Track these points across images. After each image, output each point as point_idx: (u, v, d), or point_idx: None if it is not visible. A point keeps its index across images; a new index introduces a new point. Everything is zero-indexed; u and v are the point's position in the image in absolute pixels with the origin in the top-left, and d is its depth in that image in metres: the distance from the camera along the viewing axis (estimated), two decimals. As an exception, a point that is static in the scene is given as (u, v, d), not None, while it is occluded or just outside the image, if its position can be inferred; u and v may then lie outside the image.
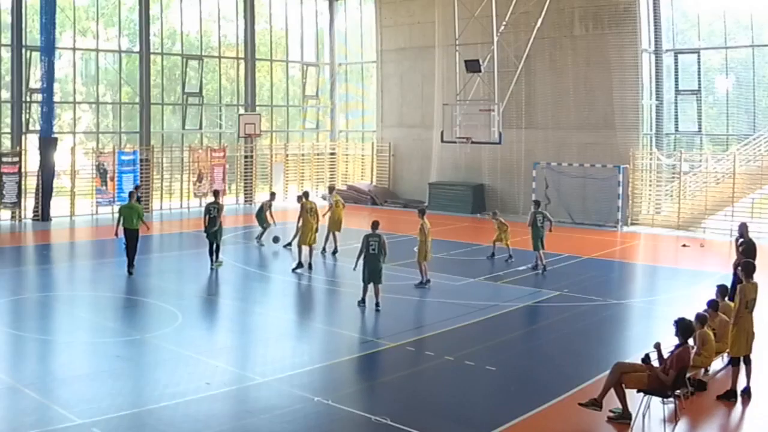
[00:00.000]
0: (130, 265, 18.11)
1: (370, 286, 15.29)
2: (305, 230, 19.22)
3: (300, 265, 19.02)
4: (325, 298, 17.45)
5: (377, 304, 15.13)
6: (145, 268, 18.99)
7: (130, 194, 19.18)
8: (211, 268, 18.92)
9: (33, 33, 27.97)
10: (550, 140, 29.99)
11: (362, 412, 9.88)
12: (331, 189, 23.80)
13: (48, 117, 26.78)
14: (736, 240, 15.16)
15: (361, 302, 15.39)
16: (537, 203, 20.78)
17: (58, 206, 27.64)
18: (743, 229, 15.11)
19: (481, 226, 26.46)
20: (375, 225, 15.58)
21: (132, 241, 18.14)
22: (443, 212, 30.29)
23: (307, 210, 19.36)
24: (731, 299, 11.60)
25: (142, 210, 18.93)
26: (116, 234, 18.54)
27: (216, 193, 20.98)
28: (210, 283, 18.54)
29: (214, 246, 18.99)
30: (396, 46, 35.05)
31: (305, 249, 19.28)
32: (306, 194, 20.26)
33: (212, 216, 19.03)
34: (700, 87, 28.23)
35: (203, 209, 20.16)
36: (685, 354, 9.40)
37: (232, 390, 10.71)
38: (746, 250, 14.25)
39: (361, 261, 15.35)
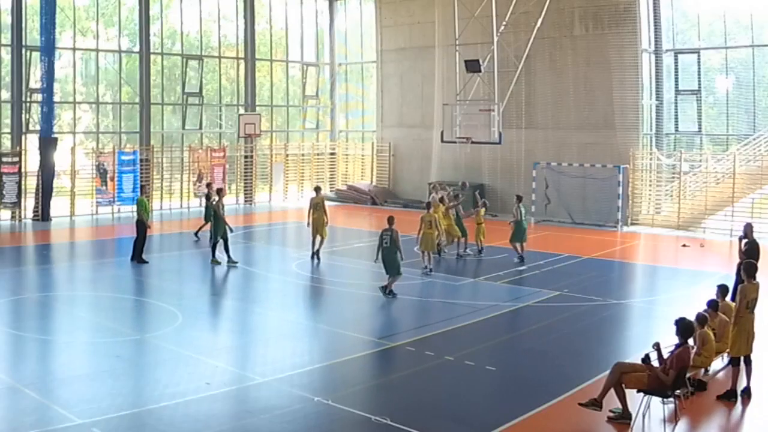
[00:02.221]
0: (135, 256, 19.39)
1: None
2: (313, 223, 20.31)
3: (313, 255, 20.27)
4: (326, 297, 17.42)
5: (384, 288, 16.10)
6: (145, 268, 19.07)
7: (142, 188, 21.90)
8: (213, 262, 19.66)
9: (33, 33, 27.97)
10: (550, 140, 29.98)
11: (362, 412, 9.87)
12: (456, 195, 21.93)
13: (48, 117, 26.77)
14: (740, 240, 15.14)
15: (389, 293, 16.17)
16: (519, 198, 21.09)
17: (58, 206, 27.63)
18: (748, 229, 15.09)
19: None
20: (390, 220, 16.51)
21: (139, 232, 19.60)
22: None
23: (312, 205, 20.50)
24: (732, 299, 11.60)
25: (146, 204, 20.25)
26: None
27: (209, 189, 22.03)
28: (210, 283, 18.60)
29: (212, 242, 19.71)
30: (396, 46, 35.04)
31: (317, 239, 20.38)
32: (317, 189, 21.34)
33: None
34: (700, 87, 28.21)
35: None
36: (685, 354, 9.39)
37: (232, 390, 10.70)
38: (749, 251, 14.26)
39: (380, 255, 16.29)
